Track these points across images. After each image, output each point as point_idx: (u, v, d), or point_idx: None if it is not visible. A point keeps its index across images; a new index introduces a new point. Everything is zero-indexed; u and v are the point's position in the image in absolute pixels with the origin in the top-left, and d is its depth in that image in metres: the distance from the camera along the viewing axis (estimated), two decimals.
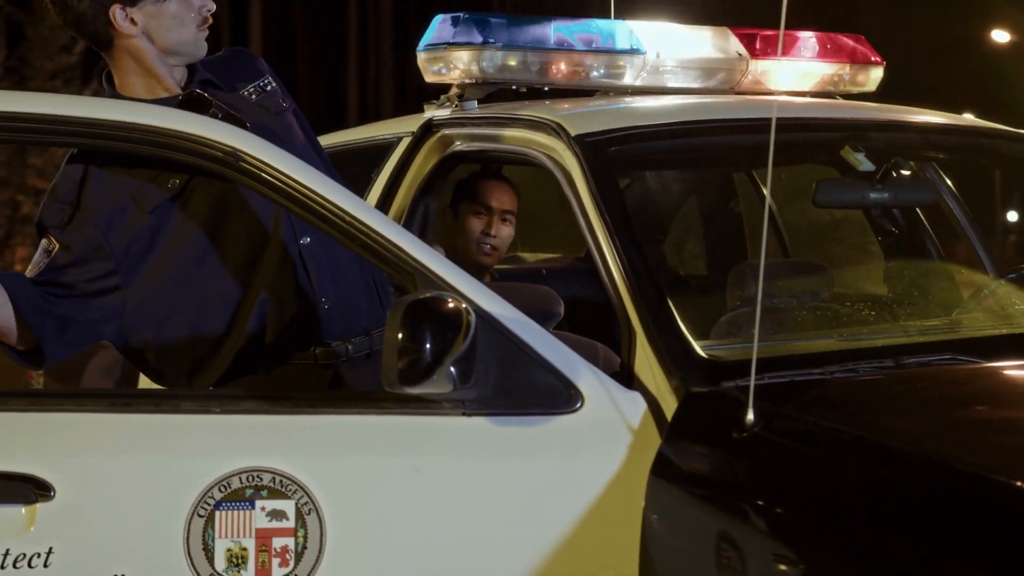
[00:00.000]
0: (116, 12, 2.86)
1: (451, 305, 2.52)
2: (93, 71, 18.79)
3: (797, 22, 4.12)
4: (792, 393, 2.65)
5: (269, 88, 3.04)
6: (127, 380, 4.80)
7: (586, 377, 2.70)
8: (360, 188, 3.65)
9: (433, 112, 3.75)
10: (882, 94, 4.19)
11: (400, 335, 2.45)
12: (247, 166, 2.70)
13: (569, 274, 4.68)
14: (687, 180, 4.77)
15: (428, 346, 2.45)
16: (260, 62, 3.14)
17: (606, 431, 2.67)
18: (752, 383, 2.48)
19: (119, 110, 2.78)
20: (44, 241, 2.88)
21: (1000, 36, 32.67)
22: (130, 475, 2.56)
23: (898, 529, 2.21)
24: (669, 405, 2.67)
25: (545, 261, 5.20)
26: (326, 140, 4.45)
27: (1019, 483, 2.17)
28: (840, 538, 2.25)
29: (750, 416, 2.48)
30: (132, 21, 2.88)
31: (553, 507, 2.63)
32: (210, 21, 2.99)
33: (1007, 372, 2.80)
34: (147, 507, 2.55)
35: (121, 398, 2.81)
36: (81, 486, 2.54)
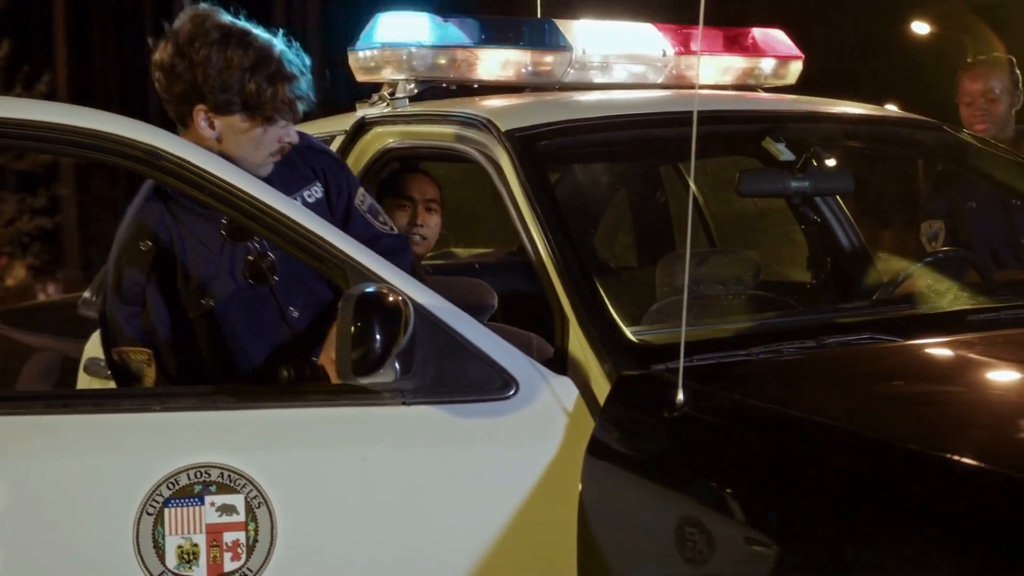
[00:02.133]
0: (200, 114, 2.94)
1: (392, 298, 2.59)
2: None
3: (719, 17, 4.24)
4: (719, 374, 2.75)
5: (312, 200, 3.09)
6: (64, 382, 4.83)
7: (519, 364, 2.79)
8: None
9: (365, 110, 3.82)
10: (805, 87, 4.31)
11: (352, 327, 2.52)
12: (168, 164, 2.74)
13: (501, 268, 4.76)
14: (615, 173, 4.87)
15: (378, 337, 2.52)
16: (323, 158, 3.19)
17: (540, 415, 2.76)
18: (681, 365, 2.58)
19: (40, 110, 2.79)
20: None
21: (920, 28, 33.16)
22: (74, 476, 2.58)
23: (819, 499, 2.32)
24: (601, 388, 2.76)
25: (478, 256, 5.28)
26: None
27: (932, 452, 2.29)
28: (768, 509, 2.36)
29: (680, 396, 2.58)
30: (211, 126, 2.96)
31: (492, 490, 2.72)
32: (287, 150, 3.04)
33: (921, 350, 2.92)
34: (94, 508, 2.57)
35: (59, 399, 2.84)
36: (24, 489, 2.55)
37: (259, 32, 2.98)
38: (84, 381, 4.29)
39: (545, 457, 2.72)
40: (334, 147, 3.76)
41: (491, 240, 5.47)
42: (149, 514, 2.55)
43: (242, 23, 2.97)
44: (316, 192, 3.10)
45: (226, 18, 2.96)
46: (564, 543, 2.66)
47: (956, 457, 2.25)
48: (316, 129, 4.03)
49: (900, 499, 2.23)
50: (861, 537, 2.21)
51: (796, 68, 4.28)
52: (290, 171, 3.07)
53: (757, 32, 4.23)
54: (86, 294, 4.94)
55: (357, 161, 3.70)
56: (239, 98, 2.91)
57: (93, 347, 4.35)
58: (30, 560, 2.54)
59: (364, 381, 2.59)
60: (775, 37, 4.26)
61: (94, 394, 2.93)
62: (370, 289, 2.60)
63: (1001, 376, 2.80)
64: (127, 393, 2.79)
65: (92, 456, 2.59)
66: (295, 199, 2.97)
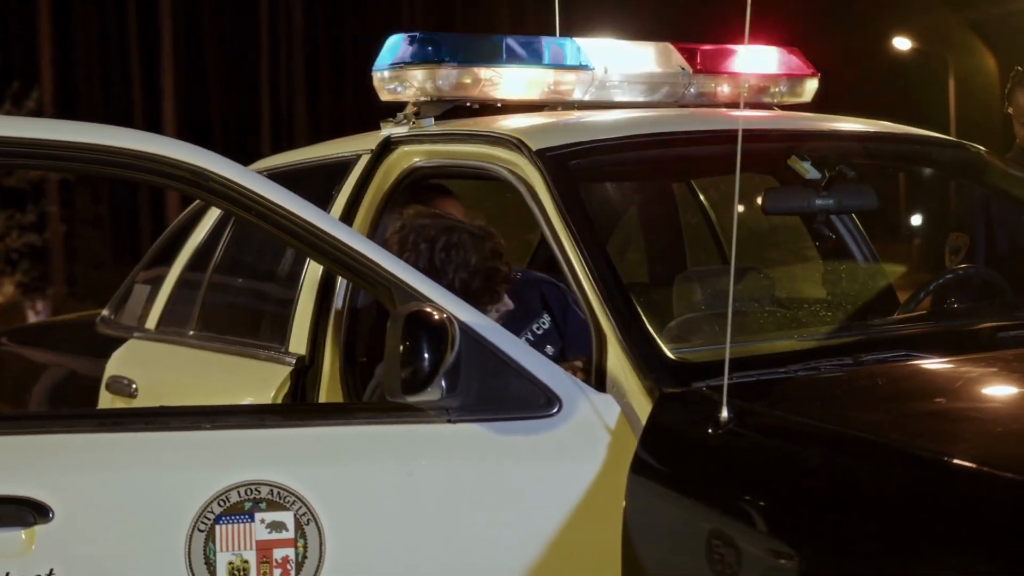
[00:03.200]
0: None
1: (438, 317, 2.62)
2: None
3: (725, 37, 4.28)
4: (761, 391, 2.77)
5: (541, 332, 3.32)
6: (73, 400, 4.83)
7: (561, 382, 2.82)
8: (320, 206, 3.72)
9: (391, 129, 3.84)
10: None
11: (401, 346, 2.54)
12: (215, 185, 2.77)
13: (517, 284, 4.77)
14: (627, 190, 4.90)
15: (426, 356, 2.54)
16: (543, 287, 3.49)
17: (583, 433, 2.78)
18: (725, 382, 2.61)
19: (87, 132, 2.82)
20: None
21: (902, 44, 33.35)
22: (126, 493, 2.61)
23: (870, 514, 2.35)
24: (642, 406, 2.79)
25: None
26: (282, 159, 4.54)
27: (978, 467, 2.32)
28: (820, 526, 2.38)
29: (725, 413, 2.61)
30: None
31: (536, 507, 2.74)
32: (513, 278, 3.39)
33: (958, 366, 2.95)
34: (146, 524, 2.60)
35: (110, 417, 2.86)
36: (79, 506, 2.58)
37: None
38: (106, 399, 4.30)
39: (588, 474, 2.75)
40: (360, 165, 3.78)
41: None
42: (200, 531, 2.58)
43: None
44: (544, 323, 3.40)
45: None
46: (609, 561, 2.69)
47: (1004, 472, 2.28)
48: (341, 148, 4.06)
49: (951, 515, 2.26)
50: (916, 553, 2.24)
51: (812, 86, 4.32)
52: (520, 309, 3.37)
53: (774, 50, 4.27)
54: (104, 312, 4.95)
55: (384, 179, 3.72)
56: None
57: (115, 365, 4.37)
58: (84, 575, 2.56)
59: (412, 399, 2.62)
60: (791, 55, 4.30)
61: (145, 412, 2.94)
62: (417, 308, 2.63)
63: None
64: (177, 411, 2.81)
65: (143, 474, 2.62)
66: (525, 336, 3.31)
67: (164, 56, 23.37)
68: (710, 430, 2.63)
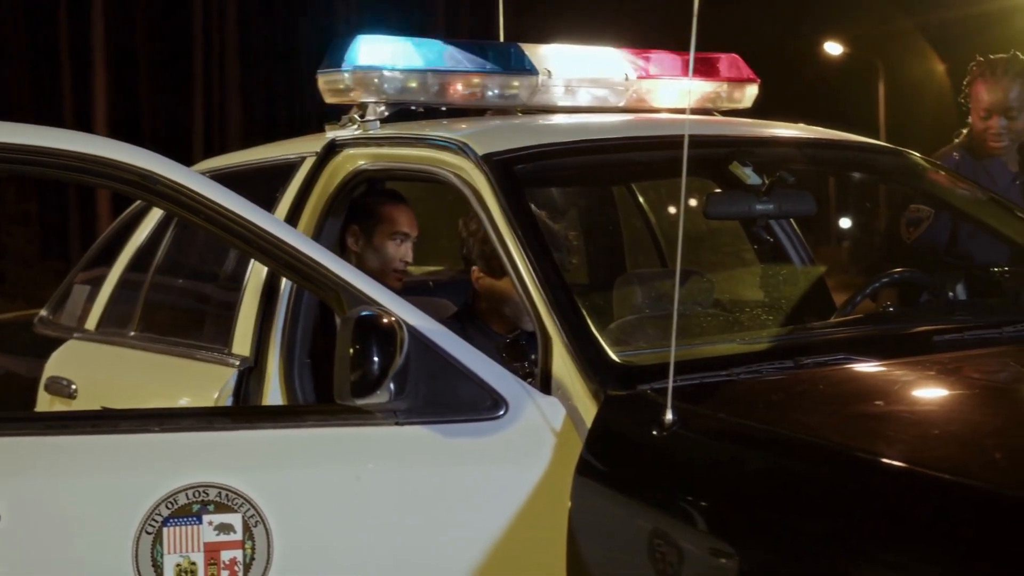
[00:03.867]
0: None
1: (387, 320, 2.64)
2: None
3: (667, 43, 4.34)
4: (704, 393, 2.82)
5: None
6: (22, 401, 4.79)
7: (508, 384, 2.85)
8: (264, 208, 3.73)
9: (336, 132, 3.85)
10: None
11: (351, 350, 2.56)
12: (164, 188, 2.78)
13: (454, 286, 4.81)
14: (571, 193, 4.94)
15: (375, 359, 2.57)
16: None
17: (529, 435, 2.82)
18: (671, 385, 2.65)
19: (36, 135, 2.82)
20: None
21: (833, 49, 33.72)
22: (74, 496, 2.61)
23: (809, 514, 2.40)
24: (587, 408, 2.82)
25: (431, 274, 5.32)
26: (226, 161, 4.53)
27: (915, 468, 2.38)
28: (761, 526, 2.43)
29: (669, 415, 2.65)
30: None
31: (483, 508, 2.77)
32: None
33: (895, 369, 3.01)
34: (94, 527, 2.60)
35: (59, 420, 2.86)
36: (26, 510, 2.58)
37: None
38: (45, 400, 4.27)
39: (534, 476, 2.78)
40: (305, 168, 3.79)
41: (443, 257, 5.51)
42: (148, 533, 2.59)
43: None
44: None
45: None
46: (554, 561, 2.72)
47: (939, 473, 2.34)
48: (286, 151, 4.06)
49: (888, 514, 2.31)
50: (854, 551, 2.30)
51: (752, 92, 4.39)
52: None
53: (715, 57, 4.33)
54: (43, 312, 4.91)
55: (328, 182, 3.72)
56: None
57: (54, 366, 4.34)
58: None
59: (361, 402, 2.64)
60: (732, 61, 4.36)
61: (93, 415, 2.94)
62: (367, 312, 2.65)
63: (968, 395, 2.90)
64: (125, 414, 2.81)
65: (91, 476, 2.62)
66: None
67: (96, 55, 23.13)
68: (655, 432, 2.67)
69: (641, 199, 5.08)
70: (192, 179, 2.78)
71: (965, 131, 4.71)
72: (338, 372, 2.61)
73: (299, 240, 2.84)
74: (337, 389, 2.63)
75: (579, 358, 2.88)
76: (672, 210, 5.13)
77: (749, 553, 2.43)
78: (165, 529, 2.59)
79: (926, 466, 2.37)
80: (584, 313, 2.99)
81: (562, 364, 2.91)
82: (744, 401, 2.84)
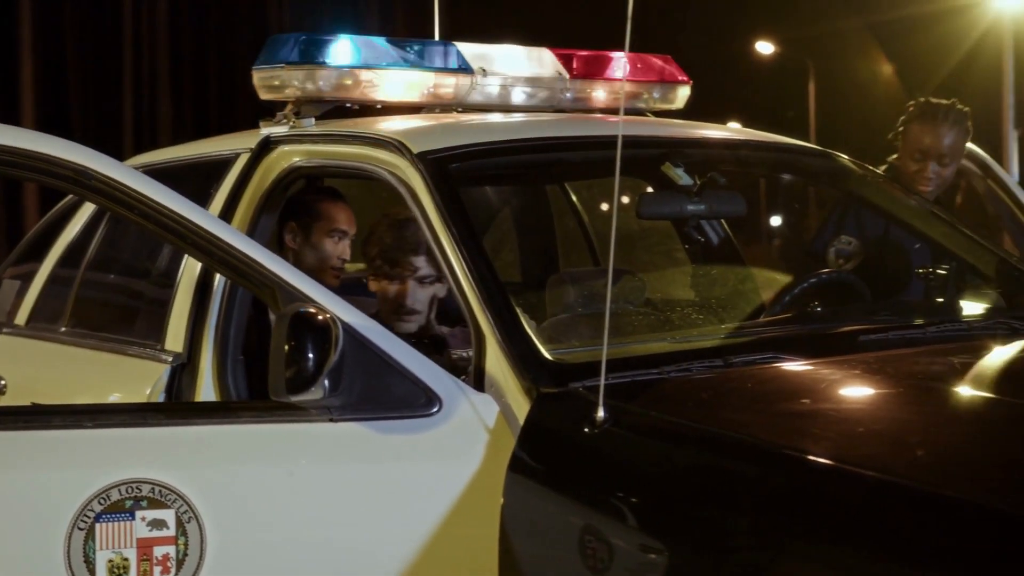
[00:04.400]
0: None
1: (322, 317, 2.65)
2: None
3: (602, 43, 4.38)
4: (636, 391, 2.86)
5: None
6: None
7: (443, 382, 2.87)
8: (198, 204, 3.72)
9: (270, 129, 3.85)
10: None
11: (286, 346, 2.57)
12: (98, 184, 2.77)
13: None
14: (505, 192, 4.97)
15: (310, 356, 2.58)
16: None
17: (462, 432, 2.84)
18: (602, 382, 2.69)
19: None
20: None
21: (764, 48, 34.06)
22: (5, 492, 2.60)
23: (738, 511, 2.45)
24: (520, 405, 2.85)
25: (365, 271, 5.33)
26: (160, 156, 4.51)
27: (841, 465, 2.43)
28: (690, 522, 2.48)
29: (600, 413, 2.68)
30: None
31: (416, 505, 2.79)
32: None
33: (822, 368, 3.07)
34: (25, 523, 2.60)
35: None
36: None
37: None
38: None
39: (467, 472, 2.81)
40: (239, 164, 3.78)
41: None
42: (80, 529, 2.58)
43: None
44: None
45: None
46: (486, 557, 2.75)
47: (863, 470, 2.40)
48: (220, 147, 4.06)
49: (814, 510, 2.36)
50: (776, 548, 2.35)
51: (684, 93, 4.44)
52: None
53: (648, 57, 4.37)
54: None
55: (263, 179, 3.72)
56: None
57: None
58: None
59: (295, 399, 2.65)
60: (664, 62, 4.41)
61: (25, 411, 2.92)
62: (302, 309, 2.66)
63: (892, 393, 2.96)
64: (58, 410, 2.80)
65: (22, 472, 2.61)
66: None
67: (23, 49, 22.81)
68: (586, 429, 2.70)
69: (574, 198, 5.13)
70: (127, 175, 2.78)
71: (886, 166, 4.71)
72: (273, 368, 2.62)
73: (234, 237, 2.84)
74: (272, 385, 2.64)
75: (512, 356, 2.91)
76: (605, 208, 5.18)
77: (679, 549, 2.47)
78: (97, 525, 2.59)
79: (851, 463, 2.42)
80: (518, 311, 3.02)
81: (496, 362, 2.94)
82: (674, 399, 2.88)
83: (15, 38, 23.55)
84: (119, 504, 2.60)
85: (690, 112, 4.44)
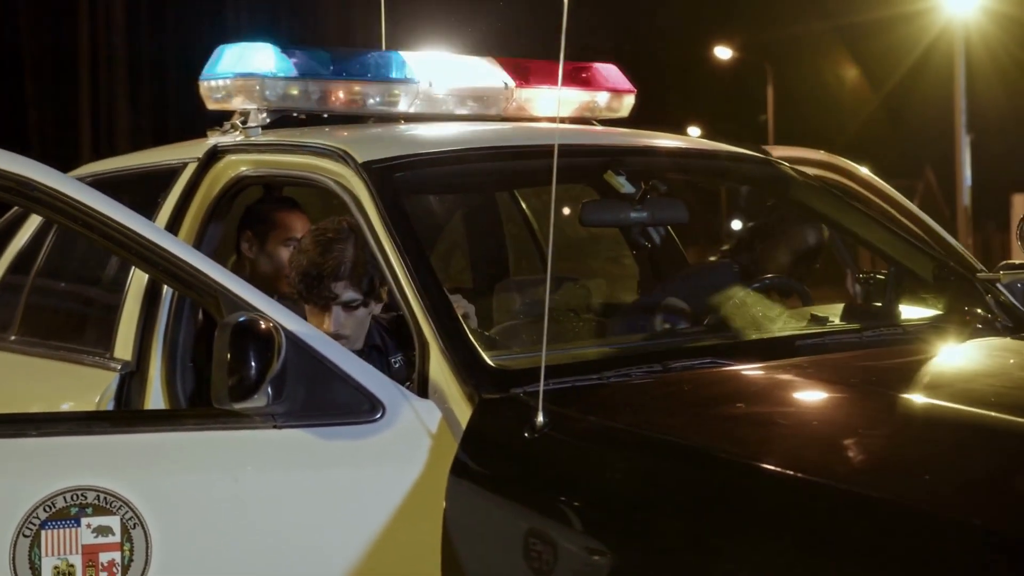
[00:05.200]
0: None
1: (264, 326, 2.69)
2: None
3: (543, 51, 4.43)
4: (575, 397, 2.91)
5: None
6: None
7: (384, 388, 2.92)
8: (146, 213, 3.75)
9: (217, 138, 3.88)
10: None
11: (229, 355, 2.61)
12: (40, 195, 2.80)
13: None
14: (455, 199, 5.02)
15: (253, 364, 2.62)
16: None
17: (405, 438, 2.89)
18: (541, 388, 2.74)
19: None
20: None
21: (723, 53, 34.26)
22: None
23: (675, 513, 2.51)
24: (463, 411, 2.90)
25: None
26: (107, 165, 4.54)
27: (774, 468, 2.49)
28: (630, 524, 2.53)
29: (540, 418, 2.74)
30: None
31: (359, 510, 2.84)
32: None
33: (758, 373, 3.13)
34: None
35: None
36: None
37: None
38: None
39: (410, 477, 2.85)
40: (187, 173, 3.81)
41: None
42: (26, 536, 2.62)
43: None
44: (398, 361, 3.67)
45: None
46: (429, 561, 2.79)
47: (787, 470, 2.46)
48: (167, 156, 4.09)
49: (749, 513, 2.43)
50: (712, 550, 2.41)
51: (629, 101, 4.50)
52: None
53: (592, 66, 4.43)
54: None
55: (210, 188, 3.76)
56: None
57: None
58: None
59: (238, 406, 2.69)
60: (609, 71, 4.47)
61: None
62: (243, 317, 2.70)
63: (827, 397, 3.03)
64: (2, 418, 2.82)
65: None
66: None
67: None
68: (526, 434, 2.75)
69: (524, 205, 5.18)
70: (69, 185, 2.81)
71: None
72: (216, 376, 2.66)
73: (177, 246, 2.88)
74: (215, 393, 2.68)
75: (454, 362, 2.96)
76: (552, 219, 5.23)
77: (617, 551, 2.53)
78: (43, 532, 2.63)
79: (784, 466, 2.48)
80: (460, 319, 3.07)
81: (438, 368, 2.98)
82: (613, 404, 2.94)
83: None
84: (64, 511, 2.64)
85: (647, 118, 4.49)
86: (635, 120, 4.51)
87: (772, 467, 2.49)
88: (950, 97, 20.23)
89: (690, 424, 2.80)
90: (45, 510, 2.63)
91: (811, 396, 3.04)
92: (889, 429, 2.79)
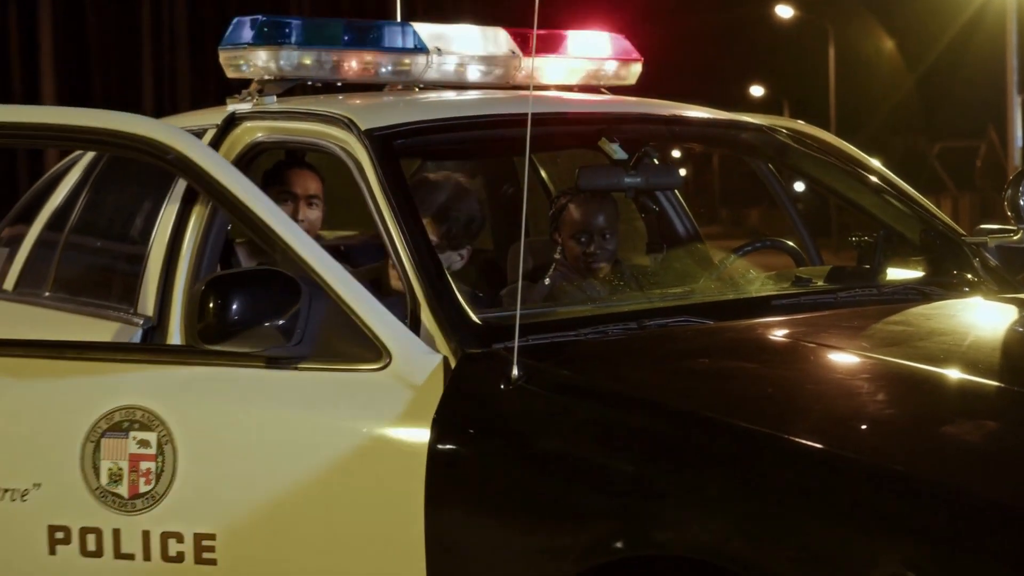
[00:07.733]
0: None
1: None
2: None
3: (557, 20, 4.59)
4: (552, 352, 3.11)
5: None
6: None
7: (396, 336, 3.14)
8: (169, 177, 3.97)
9: (235, 105, 4.09)
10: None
11: (211, 304, 3.08)
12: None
13: (365, 250, 5.06)
14: (474, 166, 5.19)
15: (232, 312, 3.08)
16: None
17: (407, 385, 3.10)
18: (516, 343, 2.94)
19: (88, 117, 3.70)
20: None
21: (784, 12, 34.01)
22: (38, 408, 3.48)
23: (628, 459, 2.71)
24: (449, 364, 3.11)
25: (343, 238, 5.57)
26: None
27: (711, 416, 2.71)
28: (584, 470, 2.74)
29: (515, 371, 2.94)
30: None
31: (356, 451, 3.09)
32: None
33: (728, 331, 3.31)
34: (55, 434, 3.43)
35: (22, 347, 3.66)
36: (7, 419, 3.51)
37: None
38: None
39: (404, 423, 3.06)
40: (206, 139, 4.02)
41: (357, 223, 5.75)
42: (92, 442, 3.33)
43: None
44: None
45: None
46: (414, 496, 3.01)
47: (741, 423, 2.66)
48: (188, 122, 4.28)
49: (701, 458, 2.62)
50: (665, 492, 2.61)
51: (636, 69, 4.65)
52: None
53: (601, 35, 4.59)
54: None
55: (228, 153, 3.94)
56: None
57: None
58: (11, 463, 3.47)
59: (214, 348, 3.13)
60: (617, 40, 4.63)
61: (54, 344, 3.67)
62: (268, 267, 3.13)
63: (795, 354, 3.21)
64: (79, 345, 3.57)
65: (49, 394, 3.48)
66: None
67: (42, 35, 22.98)
68: (502, 386, 2.96)
69: (543, 172, 5.36)
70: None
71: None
72: (186, 322, 3.21)
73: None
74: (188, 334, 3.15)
75: (441, 318, 3.16)
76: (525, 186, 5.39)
77: (578, 496, 2.74)
78: (103, 440, 3.32)
79: (727, 415, 2.68)
80: (448, 278, 3.26)
81: (429, 323, 3.19)
82: (586, 358, 3.13)
83: (36, 22, 23.73)
84: (119, 425, 3.31)
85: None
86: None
87: (717, 416, 2.68)
88: (1002, 58, 20.02)
89: (650, 377, 2.99)
90: (107, 422, 3.31)
91: (775, 353, 3.21)
92: (850, 387, 2.97)
